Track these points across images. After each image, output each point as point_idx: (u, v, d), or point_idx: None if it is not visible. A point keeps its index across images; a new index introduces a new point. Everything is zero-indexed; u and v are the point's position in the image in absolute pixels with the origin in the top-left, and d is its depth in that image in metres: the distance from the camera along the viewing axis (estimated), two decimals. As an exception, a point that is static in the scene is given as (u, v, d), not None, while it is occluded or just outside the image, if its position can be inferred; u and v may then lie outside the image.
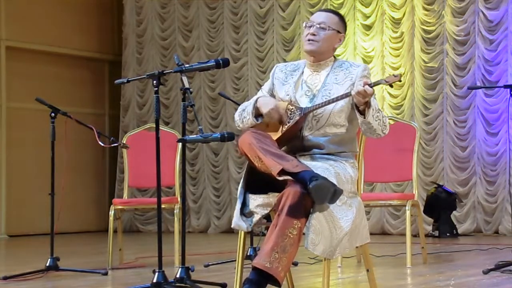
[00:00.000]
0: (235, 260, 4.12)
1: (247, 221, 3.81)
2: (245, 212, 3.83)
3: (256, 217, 3.80)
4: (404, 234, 6.33)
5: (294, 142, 3.94)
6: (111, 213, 6.38)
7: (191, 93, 4.53)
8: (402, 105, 9.77)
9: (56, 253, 5.80)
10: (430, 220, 9.28)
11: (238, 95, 10.87)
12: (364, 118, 3.77)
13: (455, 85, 9.47)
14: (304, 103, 3.95)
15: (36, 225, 10.55)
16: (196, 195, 11.23)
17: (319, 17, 4.02)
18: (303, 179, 3.58)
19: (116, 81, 4.98)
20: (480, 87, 8.91)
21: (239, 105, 4.26)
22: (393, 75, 3.82)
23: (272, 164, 3.64)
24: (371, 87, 3.70)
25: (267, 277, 3.57)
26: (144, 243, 9.52)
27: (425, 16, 9.67)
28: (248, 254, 5.95)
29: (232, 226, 3.90)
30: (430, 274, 5.53)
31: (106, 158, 12.14)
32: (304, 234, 3.65)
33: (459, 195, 9.28)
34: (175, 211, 6.40)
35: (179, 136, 5.93)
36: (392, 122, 6.70)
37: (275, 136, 3.90)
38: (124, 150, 6.75)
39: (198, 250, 7.82)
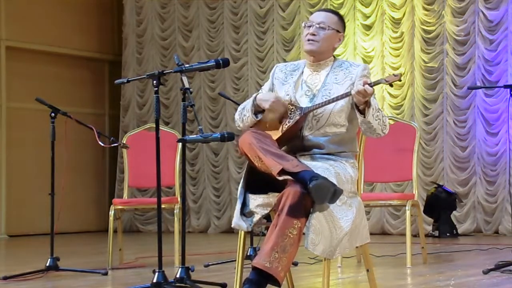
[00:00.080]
0: (235, 260, 4.12)
1: (247, 221, 3.81)
2: (245, 212, 3.83)
3: (256, 217, 3.80)
4: (404, 234, 6.33)
5: (294, 142, 3.94)
6: (111, 213, 6.38)
7: (191, 93, 4.53)
8: (402, 105, 9.77)
9: (56, 253, 5.80)
10: (430, 220, 9.29)
11: (238, 95, 10.87)
12: (364, 117, 3.77)
13: (455, 85, 9.48)
14: (304, 103, 3.95)
15: (36, 225, 10.55)
16: (196, 195, 11.23)
17: (319, 17, 4.02)
18: (303, 179, 3.58)
19: (116, 81, 4.98)
20: (480, 87, 8.91)
21: (238, 105, 4.26)
22: (393, 74, 3.82)
23: (272, 164, 3.64)
24: (371, 86, 3.71)
25: (267, 277, 3.57)
26: (144, 243, 9.52)
27: (425, 16, 9.67)
28: (248, 254, 5.95)
29: (232, 226, 3.90)
30: (430, 274, 5.53)
31: (106, 158, 12.14)
32: (304, 234, 3.65)
33: (459, 195, 9.28)
34: (175, 211, 6.40)
35: (179, 136, 5.93)
36: (392, 122, 6.70)
37: (275, 136, 3.90)
38: (124, 150, 6.75)
39: (198, 250, 7.81)
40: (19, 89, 10.95)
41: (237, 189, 3.95)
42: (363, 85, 3.68)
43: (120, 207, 6.50)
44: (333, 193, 3.59)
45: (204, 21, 11.27)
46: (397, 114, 9.50)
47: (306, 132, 3.93)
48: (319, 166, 3.75)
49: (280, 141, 3.89)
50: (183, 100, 4.55)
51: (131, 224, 11.68)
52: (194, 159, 11.26)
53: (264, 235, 4.35)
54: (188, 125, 10.04)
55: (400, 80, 3.80)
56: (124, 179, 6.85)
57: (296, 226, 3.59)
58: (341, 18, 4.07)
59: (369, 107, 3.75)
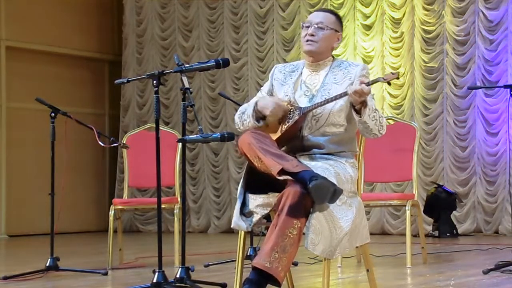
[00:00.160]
0: (235, 260, 4.12)
1: (247, 221, 3.81)
2: (245, 212, 3.83)
3: (256, 217, 3.80)
4: (404, 234, 6.33)
5: (294, 142, 3.94)
6: (111, 213, 6.38)
7: (191, 93, 4.53)
8: (402, 105, 9.77)
9: (56, 253, 5.80)
10: (430, 220, 9.29)
11: (238, 95, 10.87)
12: (360, 117, 3.77)
13: (455, 85, 9.48)
14: (304, 103, 3.95)
15: (36, 225, 10.55)
16: (196, 195, 11.23)
17: (317, 17, 4.02)
18: (303, 179, 3.58)
19: (116, 81, 4.98)
20: (480, 87, 8.91)
21: (239, 105, 4.27)
22: (391, 72, 3.84)
23: (272, 164, 3.64)
24: (368, 85, 3.71)
25: (267, 277, 3.57)
26: (144, 243, 9.52)
27: (425, 16, 9.67)
28: (248, 254, 5.95)
29: (232, 226, 3.90)
30: (430, 274, 5.53)
31: (106, 158, 12.14)
32: (304, 234, 3.65)
33: (459, 195, 9.28)
34: (175, 211, 6.40)
35: (179, 136, 5.93)
36: (392, 122, 6.71)
37: (275, 136, 3.90)
38: (124, 150, 6.75)
39: (198, 250, 7.81)
40: (19, 89, 10.95)
41: (237, 189, 3.95)
42: (360, 85, 3.68)
43: (120, 207, 6.50)
44: (333, 193, 3.59)
45: (204, 21, 11.27)
46: (397, 114, 9.50)
47: (306, 132, 3.93)
48: (319, 166, 3.75)
49: (280, 141, 3.89)
50: (183, 100, 4.55)
51: (131, 224, 11.68)
52: (194, 159, 11.26)
53: (264, 235, 4.35)
54: (188, 125, 10.04)
55: (398, 78, 3.81)
56: (124, 179, 6.85)
57: (296, 226, 3.59)
58: (339, 18, 4.08)
59: (366, 107, 3.75)
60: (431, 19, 9.64)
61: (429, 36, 9.64)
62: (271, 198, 3.79)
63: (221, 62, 4.49)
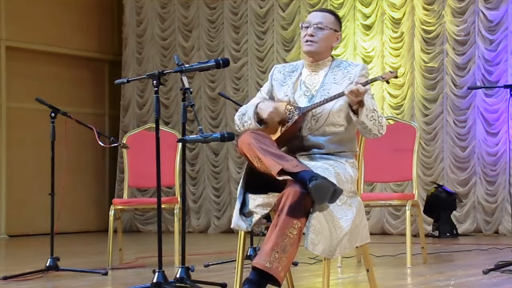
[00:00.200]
0: (235, 260, 4.12)
1: (247, 221, 3.81)
2: (245, 212, 3.83)
3: (255, 217, 3.80)
4: (404, 234, 6.33)
5: (294, 142, 3.94)
6: (111, 213, 6.38)
7: (191, 93, 4.53)
8: (402, 105, 9.77)
9: (56, 253, 5.80)
10: (430, 220, 9.28)
11: (238, 95, 10.87)
12: (358, 117, 3.77)
13: (455, 85, 9.48)
14: (303, 103, 3.95)
15: (36, 225, 10.55)
16: (196, 195, 11.23)
17: (316, 17, 4.03)
18: (302, 179, 3.58)
19: (116, 81, 4.98)
20: (480, 87, 8.91)
21: (239, 105, 4.27)
22: (390, 71, 3.84)
23: (271, 164, 3.64)
24: (367, 85, 3.71)
25: (267, 277, 3.57)
26: (144, 243, 9.52)
27: (425, 16, 9.67)
28: (248, 254, 5.95)
29: (231, 226, 3.90)
30: (430, 274, 5.53)
31: (106, 158, 12.14)
32: (304, 234, 3.65)
33: (459, 195, 9.28)
34: (175, 211, 6.40)
35: (179, 136, 5.93)
36: (392, 122, 6.71)
37: (275, 136, 3.91)
38: (124, 150, 6.75)
39: (198, 250, 7.81)
40: (19, 89, 10.95)
41: (237, 189, 3.94)
42: (356, 85, 3.68)
43: (120, 207, 6.49)
44: (333, 192, 3.59)
45: (204, 21, 11.27)
46: (397, 114, 9.50)
47: (305, 132, 3.93)
48: (319, 166, 3.75)
49: (280, 142, 3.90)
50: (183, 100, 4.55)
51: (131, 224, 11.68)
52: (194, 159, 11.26)
53: (264, 235, 4.35)
54: (188, 125, 10.04)
55: (396, 77, 3.82)
56: (124, 179, 6.85)
57: (296, 226, 3.59)
58: (337, 18, 4.08)
59: (363, 107, 3.74)
60: (431, 19, 9.64)
61: (429, 36, 9.64)
62: (271, 198, 3.79)
63: (221, 62, 4.49)
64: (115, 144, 5.98)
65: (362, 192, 5.92)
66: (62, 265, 5.77)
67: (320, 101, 3.88)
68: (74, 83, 11.64)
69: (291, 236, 3.58)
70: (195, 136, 4.25)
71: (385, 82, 9.07)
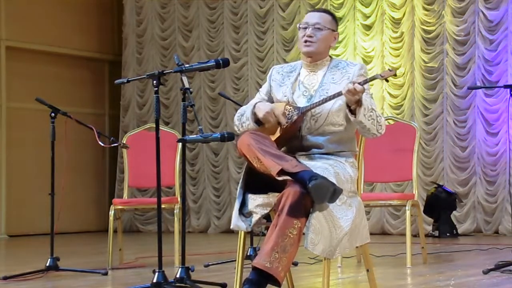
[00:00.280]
0: (235, 260, 4.12)
1: (246, 221, 3.81)
2: (245, 212, 3.83)
3: (255, 217, 3.80)
4: (404, 234, 6.33)
5: (293, 142, 3.95)
6: (111, 213, 6.38)
7: (191, 93, 4.53)
8: (402, 105, 9.77)
9: (56, 253, 5.80)
10: (430, 220, 9.28)
11: (238, 95, 10.87)
12: (355, 117, 3.77)
13: (455, 85, 9.48)
14: (302, 103, 3.96)
15: (36, 225, 10.55)
16: (196, 195, 11.24)
17: (313, 17, 4.03)
18: (302, 179, 3.58)
19: (116, 81, 4.98)
20: (480, 87, 8.91)
21: (239, 105, 4.28)
22: (389, 69, 3.84)
23: (271, 165, 3.64)
24: (365, 83, 3.72)
25: (267, 277, 3.57)
26: (144, 243, 9.52)
27: (425, 16, 9.67)
28: (248, 254, 5.95)
29: (231, 227, 3.89)
30: (430, 274, 5.53)
31: (106, 158, 12.14)
32: (304, 234, 3.65)
33: (459, 195, 9.28)
34: (175, 211, 6.40)
35: (179, 136, 5.93)
36: (392, 122, 6.71)
37: (274, 136, 3.91)
38: (124, 150, 6.75)
39: (198, 250, 7.81)
40: (19, 89, 10.95)
41: (237, 189, 3.94)
42: (353, 84, 3.68)
43: (120, 207, 6.49)
44: (333, 192, 3.59)
45: (204, 21, 11.27)
46: (397, 114, 9.50)
47: (305, 132, 3.93)
48: (318, 166, 3.75)
49: (279, 142, 3.90)
50: (183, 100, 4.55)
51: (131, 224, 11.68)
52: (194, 159, 11.26)
53: (264, 235, 4.35)
54: (188, 125, 10.04)
55: (395, 75, 3.82)
56: (124, 179, 6.85)
57: (296, 226, 3.59)
58: (334, 17, 4.09)
59: (361, 107, 3.74)
60: (431, 19, 9.64)
61: (429, 36, 9.64)
62: (271, 198, 3.79)
63: (221, 62, 4.49)
64: (115, 144, 5.98)
65: (362, 192, 5.92)
66: (62, 265, 5.77)
67: (319, 101, 3.88)
68: (74, 83, 11.64)
69: (291, 236, 3.58)
70: (195, 136, 4.25)
71: (384, 81, 9.10)
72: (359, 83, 3.70)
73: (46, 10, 11.32)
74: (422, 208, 8.68)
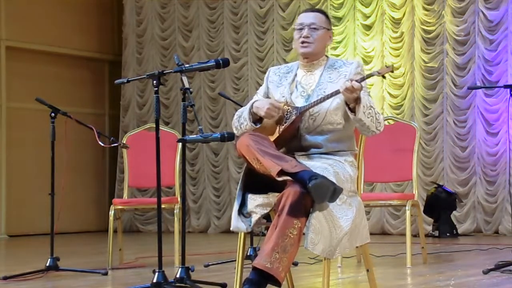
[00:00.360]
0: (235, 260, 4.12)
1: (246, 222, 3.81)
2: (244, 213, 3.83)
3: (255, 217, 3.80)
4: (404, 234, 6.33)
5: (292, 142, 3.94)
6: (111, 213, 6.38)
7: (191, 93, 4.53)
8: (402, 105, 9.77)
9: (56, 253, 5.80)
10: (430, 220, 9.28)
11: (238, 95, 10.87)
12: (355, 115, 3.77)
13: (455, 85, 9.48)
14: (300, 103, 3.96)
15: (36, 225, 10.55)
16: (196, 195, 11.24)
17: (308, 18, 4.03)
18: (302, 178, 3.58)
19: (116, 81, 4.98)
20: (480, 87, 8.91)
21: (239, 105, 4.28)
22: (386, 66, 3.85)
23: (271, 165, 3.64)
24: (361, 81, 3.72)
25: (267, 277, 3.57)
26: (144, 243, 9.52)
27: (425, 16, 9.67)
28: (248, 254, 5.95)
29: (231, 229, 3.89)
30: (430, 274, 5.53)
31: (106, 158, 12.14)
32: (304, 234, 3.65)
33: (459, 195, 9.28)
34: (175, 211, 6.40)
35: (179, 136, 5.93)
36: (392, 122, 6.71)
37: (273, 137, 3.91)
38: (124, 150, 6.75)
39: (198, 250, 7.82)
40: (19, 89, 10.95)
41: (236, 190, 3.95)
42: (351, 82, 3.69)
43: (120, 207, 6.49)
44: (333, 191, 3.59)
45: (204, 21, 11.27)
46: (397, 114, 9.50)
47: (304, 132, 3.93)
48: (318, 166, 3.75)
49: (278, 142, 3.90)
50: (183, 100, 4.55)
51: (131, 224, 11.68)
52: (194, 159, 11.26)
53: (264, 235, 4.35)
54: (188, 125, 10.04)
55: (392, 71, 3.82)
56: (124, 179, 6.85)
57: (296, 226, 3.59)
58: (328, 16, 4.10)
59: (359, 105, 3.74)
60: (431, 19, 9.64)
61: (429, 36, 9.64)
62: (271, 198, 3.79)
63: (221, 62, 4.48)
64: (115, 144, 5.98)
65: (362, 192, 5.92)
66: (62, 265, 5.77)
67: (317, 100, 3.89)
68: (74, 83, 11.64)
69: (292, 236, 3.58)
70: (195, 136, 4.25)
71: (384, 81, 9.09)
72: (356, 81, 3.70)
73: (46, 10, 11.32)
74: (422, 208, 8.68)
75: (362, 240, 3.91)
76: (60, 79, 11.45)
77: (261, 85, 4.22)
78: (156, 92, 4.58)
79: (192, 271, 4.81)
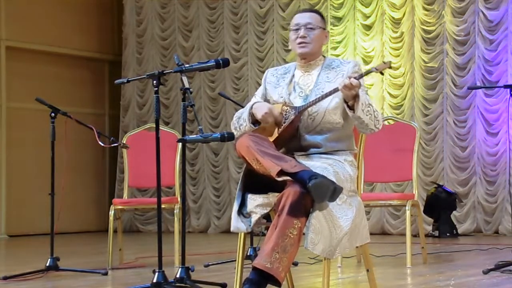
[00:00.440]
0: (235, 260, 4.12)
1: (246, 222, 3.81)
2: (244, 213, 3.83)
3: (255, 217, 3.80)
4: (404, 234, 6.33)
5: (292, 143, 3.94)
6: (111, 213, 6.38)
7: (191, 93, 4.53)
8: (402, 105, 9.77)
9: (56, 253, 5.80)
10: (430, 220, 9.28)
11: (238, 95, 10.87)
12: (354, 112, 3.77)
13: (455, 85, 9.48)
14: (298, 104, 3.96)
15: (36, 225, 10.55)
16: (196, 195, 11.24)
17: (304, 18, 4.03)
18: (302, 178, 3.58)
19: (116, 81, 4.98)
20: (480, 87, 8.91)
21: (239, 105, 4.28)
22: (383, 62, 3.86)
23: (270, 166, 3.64)
24: (359, 78, 3.72)
25: (267, 277, 3.57)
26: (144, 243, 9.52)
27: (425, 16, 9.67)
28: (248, 254, 5.95)
29: (231, 230, 3.89)
30: (430, 274, 5.53)
31: (106, 158, 12.14)
32: (304, 234, 3.65)
33: (459, 195, 9.28)
34: (175, 211, 6.40)
35: (179, 136, 5.93)
36: (392, 122, 6.71)
37: (272, 137, 3.91)
38: (124, 150, 6.75)
39: (198, 250, 7.82)
40: (19, 89, 10.95)
41: (236, 190, 3.95)
42: (349, 79, 3.69)
43: (120, 207, 6.49)
44: (333, 191, 3.59)
45: (204, 21, 11.27)
46: (397, 114, 9.50)
47: (303, 132, 3.93)
48: (318, 166, 3.75)
49: (278, 142, 3.90)
50: (183, 100, 4.55)
51: (131, 224, 11.69)
52: (194, 159, 11.26)
53: (264, 235, 4.35)
54: (188, 125, 10.04)
55: (390, 67, 3.83)
56: (124, 179, 6.85)
57: (296, 226, 3.59)
58: (322, 16, 4.11)
59: (358, 102, 3.75)
60: (431, 19, 9.64)
61: (429, 36, 9.64)
62: (271, 198, 3.80)
63: (221, 62, 4.48)
64: (115, 144, 5.98)
65: (362, 192, 5.92)
66: (62, 265, 5.77)
67: (315, 99, 3.89)
68: (74, 83, 11.64)
69: (292, 236, 3.58)
70: (195, 136, 4.24)
71: (382, 78, 9.07)
72: (354, 78, 3.70)
73: (46, 10, 11.32)
74: (422, 208, 8.68)
75: (362, 240, 3.91)
76: (60, 79, 11.45)
77: (261, 85, 4.22)
78: (156, 92, 4.58)
79: (192, 271, 4.81)
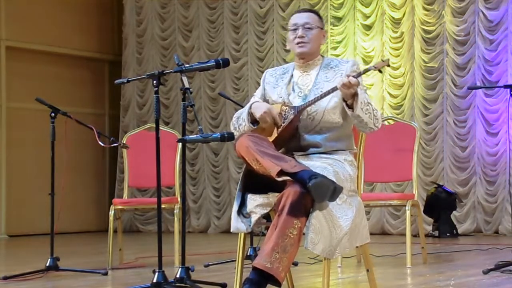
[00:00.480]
0: (235, 260, 4.12)
1: (246, 222, 3.81)
2: (244, 213, 3.83)
3: (255, 217, 3.80)
4: (404, 234, 6.33)
5: (291, 143, 3.94)
6: (111, 213, 6.38)
7: (191, 93, 4.53)
8: (402, 105, 9.77)
9: (56, 253, 5.80)
10: (430, 220, 9.28)
11: (238, 95, 10.87)
12: (353, 111, 3.77)
13: (455, 85, 9.48)
14: (297, 104, 3.96)
15: (36, 225, 10.55)
16: (196, 195, 11.24)
17: (301, 18, 4.04)
18: (302, 178, 3.58)
19: (116, 81, 4.98)
20: (480, 87, 8.91)
21: (239, 105, 4.28)
22: (382, 60, 3.86)
23: (270, 166, 3.64)
24: (358, 76, 3.73)
25: (267, 277, 3.57)
26: (144, 243, 9.52)
27: (425, 16, 9.67)
28: (248, 254, 5.95)
29: (231, 230, 3.89)
30: (430, 274, 5.53)
31: (106, 158, 12.14)
32: (304, 234, 3.65)
33: (459, 195, 9.28)
34: (175, 211, 6.40)
35: (179, 136, 5.93)
36: (392, 122, 6.71)
37: (272, 138, 3.91)
38: (124, 150, 6.75)
39: (198, 250, 7.82)
40: (19, 89, 10.95)
41: (236, 190, 3.95)
42: (347, 78, 3.69)
43: (120, 207, 6.49)
44: (333, 190, 3.59)
45: (204, 21, 11.27)
46: (397, 114, 9.50)
47: (302, 131, 3.94)
48: (318, 166, 3.75)
49: (277, 142, 3.90)
50: (183, 100, 4.55)
51: (131, 224, 11.69)
52: (194, 159, 11.26)
53: (264, 235, 4.35)
54: (188, 125, 10.04)
55: (388, 65, 3.83)
56: (124, 179, 6.85)
57: (296, 226, 3.59)
58: (320, 16, 4.11)
59: (357, 101, 3.75)
60: (431, 19, 9.64)
61: (429, 36, 9.64)
62: (270, 198, 3.80)
63: (221, 62, 4.48)
64: (115, 144, 5.98)
65: (362, 192, 5.92)
66: (62, 265, 5.76)
67: (314, 98, 3.89)
68: (74, 83, 11.65)
69: (292, 236, 3.58)
70: (195, 136, 4.24)
71: (382, 77, 9.06)
72: (353, 76, 3.71)
73: (46, 10, 11.32)
74: (422, 208, 8.68)
75: (362, 240, 3.91)
76: (60, 79, 11.45)
77: (260, 86, 4.23)
78: (156, 92, 4.58)
79: (192, 271, 4.81)
